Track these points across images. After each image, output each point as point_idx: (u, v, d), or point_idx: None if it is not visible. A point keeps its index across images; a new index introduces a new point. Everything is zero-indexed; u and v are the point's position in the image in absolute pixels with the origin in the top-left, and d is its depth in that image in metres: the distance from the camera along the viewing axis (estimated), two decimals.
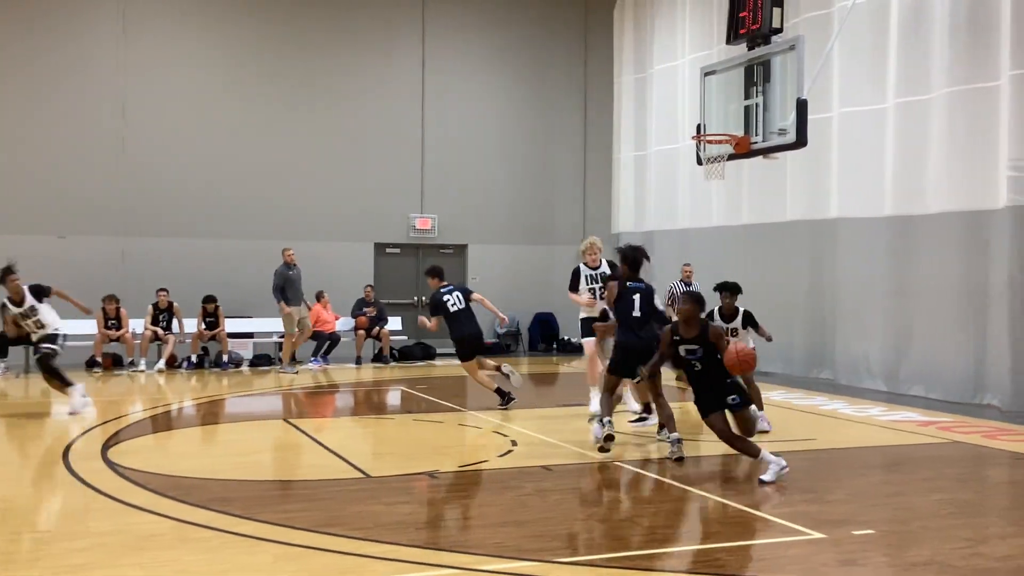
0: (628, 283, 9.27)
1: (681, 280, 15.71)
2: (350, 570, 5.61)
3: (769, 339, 10.72)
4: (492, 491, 7.70)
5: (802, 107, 10.49)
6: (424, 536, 6.43)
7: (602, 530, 6.69)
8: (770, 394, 13.60)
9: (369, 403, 13.98)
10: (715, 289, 10.78)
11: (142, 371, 16.53)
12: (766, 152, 11.29)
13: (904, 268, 13.93)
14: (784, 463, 7.92)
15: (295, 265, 17.06)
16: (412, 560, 5.78)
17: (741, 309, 10.62)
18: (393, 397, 14.16)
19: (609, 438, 9.00)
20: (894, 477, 8.74)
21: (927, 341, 13.60)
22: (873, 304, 14.42)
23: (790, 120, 10.60)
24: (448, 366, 17.40)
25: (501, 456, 9.10)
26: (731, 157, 11.55)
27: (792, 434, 10.38)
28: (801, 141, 10.63)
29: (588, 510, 7.25)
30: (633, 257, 9.40)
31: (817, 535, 6.29)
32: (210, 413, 12.72)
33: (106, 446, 9.44)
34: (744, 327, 10.58)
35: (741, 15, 11.23)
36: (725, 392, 8.24)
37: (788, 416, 11.79)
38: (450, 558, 5.76)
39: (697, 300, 8.44)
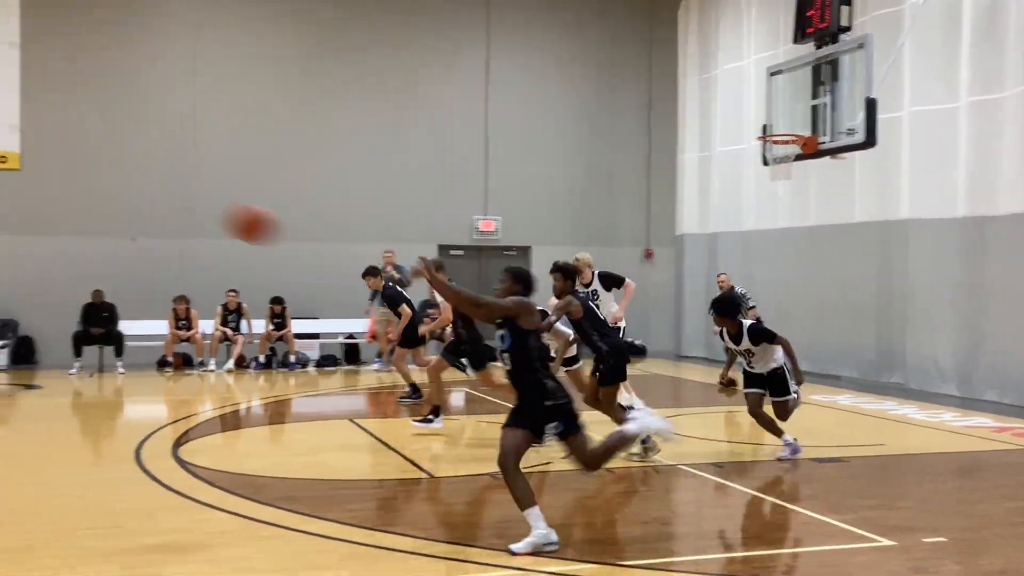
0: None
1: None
2: (414, 569, 5.66)
3: (800, 382, 9.02)
4: (554, 493, 7.70)
5: (871, 106, 10.35)
6: (487, 536, 6.45)
7: (664, 533, 6.65)
8: (838, 398, 13.41)
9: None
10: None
11: (211, 371, 16.84)
12: (834, 152, 11.17)
13: (977, 270, 13.62)
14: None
15: (395, 267, 17.08)
16: (475, 560, 5.82)
17: (746, 325, 8.97)
18: (457, 398, 14.22)
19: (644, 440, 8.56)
20: (966, 484, 8.56)
21: (1001, 344, 13.27)
22: (945, 307, 14.11)
23: (859, 120, 10.47)
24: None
25: (564, 458, 9.07)
26: (798, 157, 11.45)
27: (860, 439, 10.21)
28: (870, 141, 10.50)
29: (650, 513, 7.21)
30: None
31: (886, 542, 6.18)
32: (277, 413, 12.91)
33: (177, 444, 9.63)
34: (757, 344, 8.83)
35: (808, 14, 11.13)
36: (540, 410, 6.17)
37: (856, 421, 11.60)
38: (513, 559, 5.76)
39: (516, 276, 6.45)
